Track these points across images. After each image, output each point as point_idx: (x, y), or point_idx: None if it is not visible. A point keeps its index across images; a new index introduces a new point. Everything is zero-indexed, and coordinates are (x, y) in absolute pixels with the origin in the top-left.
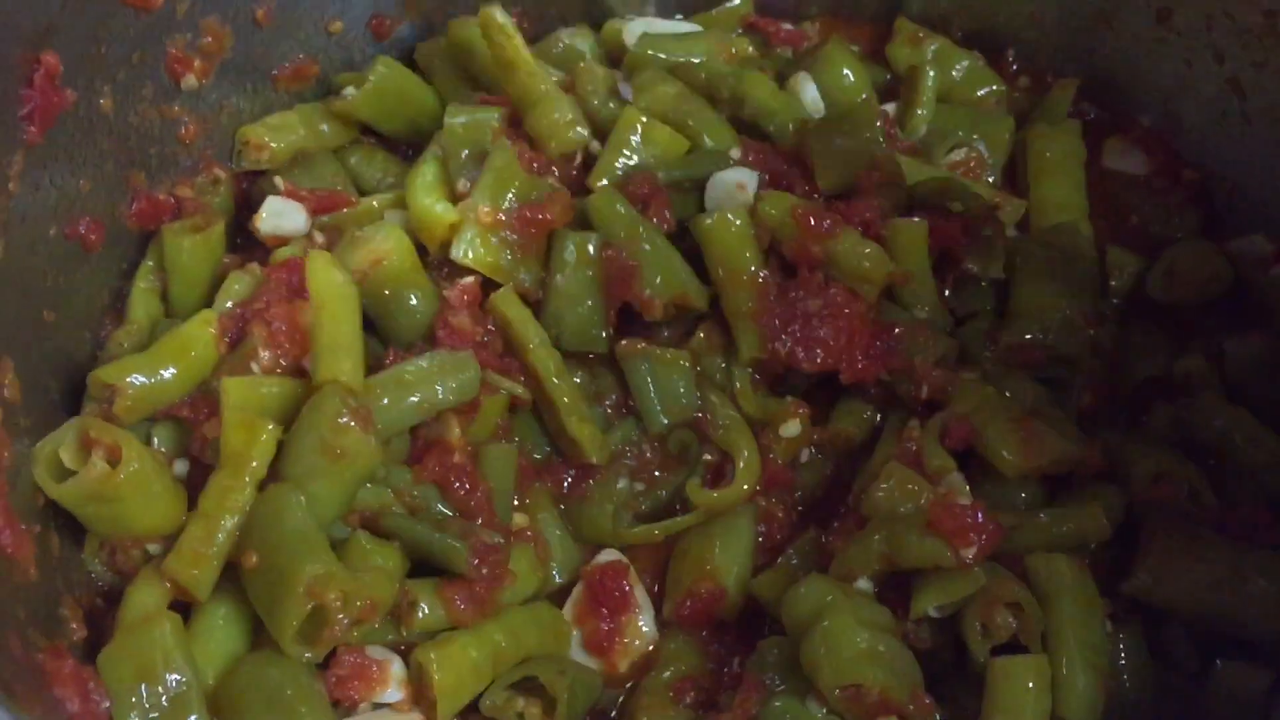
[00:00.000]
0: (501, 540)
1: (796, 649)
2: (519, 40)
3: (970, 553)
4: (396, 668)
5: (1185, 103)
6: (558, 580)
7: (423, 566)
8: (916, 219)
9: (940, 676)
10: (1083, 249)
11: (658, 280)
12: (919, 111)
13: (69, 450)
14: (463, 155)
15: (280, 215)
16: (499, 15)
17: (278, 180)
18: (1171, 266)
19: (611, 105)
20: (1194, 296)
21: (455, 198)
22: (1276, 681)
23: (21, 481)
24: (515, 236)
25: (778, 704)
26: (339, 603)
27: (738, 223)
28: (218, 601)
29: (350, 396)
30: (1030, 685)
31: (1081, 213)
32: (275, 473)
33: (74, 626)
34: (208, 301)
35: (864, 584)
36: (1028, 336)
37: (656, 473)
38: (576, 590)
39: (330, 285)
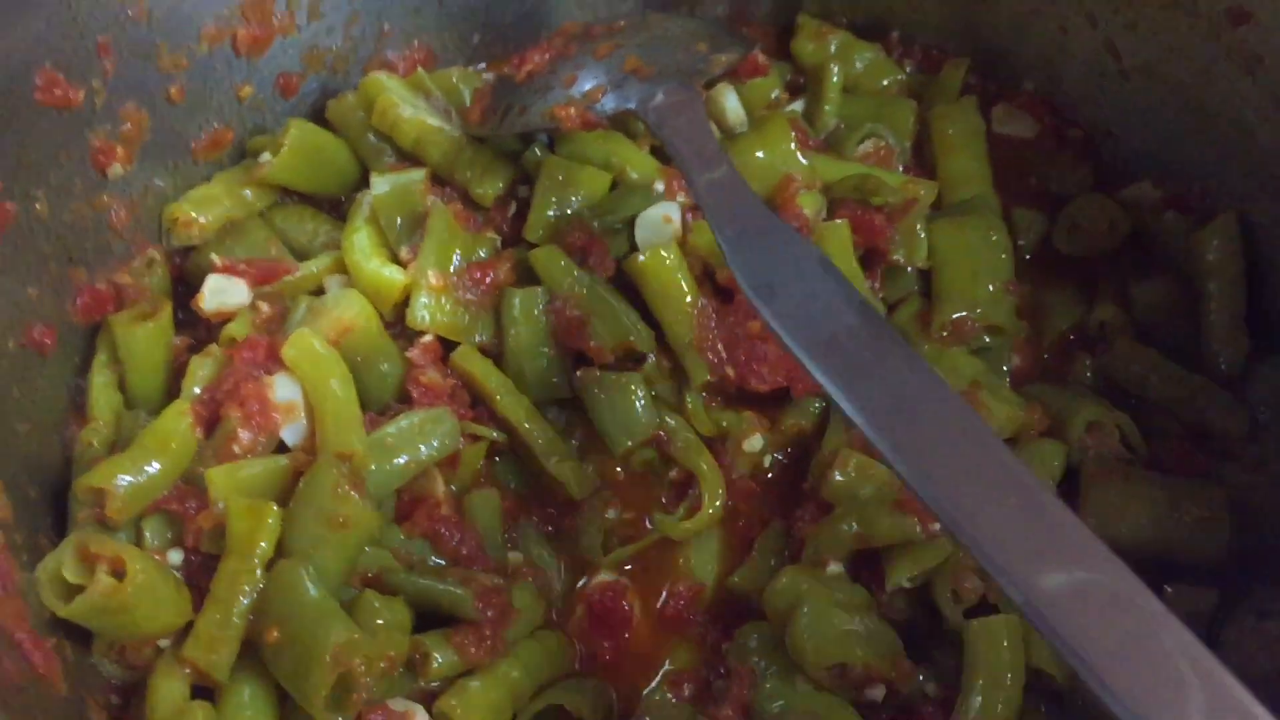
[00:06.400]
0: (501, 581)
1: (779, 633)
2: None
3: (937, 526)
4: (421, 718)
5: (1064, 66)
6: (557, 607)
7: (425, 617)
8: (839, 220)
9: (918, 641)
10: (994, 221)
11: (603, 329)
12: (826, 108)
13: (70, 567)
14: (397, 223)
15: (222, 292)
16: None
17: (215, 257)
18: (1074, 220)
19: (537, 151)
20: (1098, 247)
21: (397, 261)
22: (1221, 598)
23: (31, 598)
24: (468, 296)
25: (769, 686)
26: (363, 666)
27: (669, 257)
28: (240, 682)
29: (345, 466)
30: (1005, 643)
31: (987, 183)
32: (279, 549)
33: None
34: (166, 386)
35: (835, 567)
36: (958, 315)
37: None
38: (579, 612)
39: (321, 362)
